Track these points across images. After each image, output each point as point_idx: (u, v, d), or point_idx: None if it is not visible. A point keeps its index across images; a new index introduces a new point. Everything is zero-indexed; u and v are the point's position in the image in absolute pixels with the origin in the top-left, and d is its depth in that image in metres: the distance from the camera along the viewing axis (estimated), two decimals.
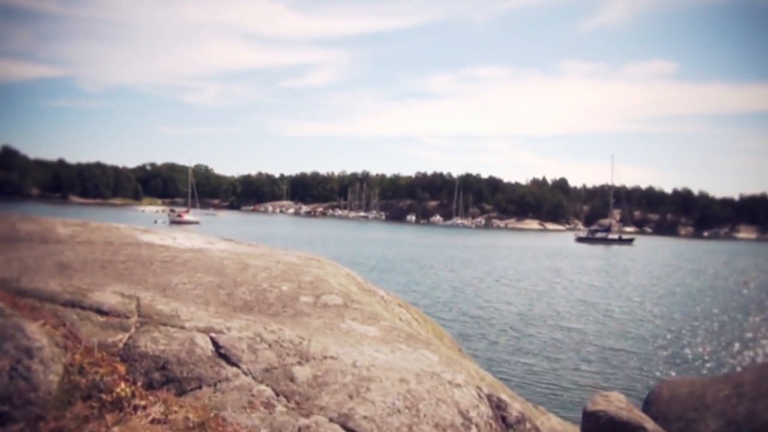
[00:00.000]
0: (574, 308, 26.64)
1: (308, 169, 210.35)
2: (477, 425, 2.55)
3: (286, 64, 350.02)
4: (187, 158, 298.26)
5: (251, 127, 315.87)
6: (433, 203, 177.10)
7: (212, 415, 2.16)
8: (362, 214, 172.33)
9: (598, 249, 78.25)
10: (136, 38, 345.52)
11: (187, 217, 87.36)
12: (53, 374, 2.12)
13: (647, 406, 4.34)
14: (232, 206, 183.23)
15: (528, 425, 2.90)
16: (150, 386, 2.34)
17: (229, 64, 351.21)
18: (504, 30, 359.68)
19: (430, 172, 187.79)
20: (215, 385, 2.39)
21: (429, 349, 3.15)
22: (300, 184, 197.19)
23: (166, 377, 2.40)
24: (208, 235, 5.90)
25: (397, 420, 2.34)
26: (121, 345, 2.52)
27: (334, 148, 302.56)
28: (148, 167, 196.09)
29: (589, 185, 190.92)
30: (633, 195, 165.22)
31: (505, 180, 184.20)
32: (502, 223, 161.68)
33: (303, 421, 2.24)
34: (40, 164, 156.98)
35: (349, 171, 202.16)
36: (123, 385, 2.24)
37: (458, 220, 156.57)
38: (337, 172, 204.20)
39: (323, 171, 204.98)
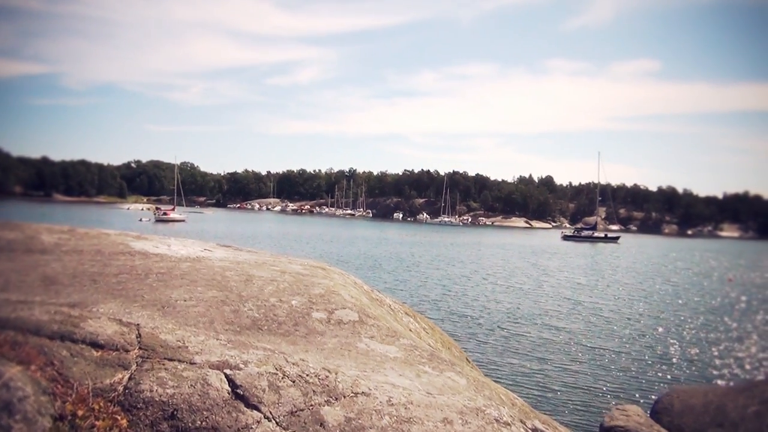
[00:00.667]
0: (562, 306, 26.75)
1: (295, 167, 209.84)
2: None
3: (273, 62, 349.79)
4: (173, 156, 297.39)
5: (237, 125, 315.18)
6: (420, 201, 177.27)
7: None
8: (349, 211, 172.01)
9: (584, 247, 78.88)
10: (122, 35, 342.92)
11: (173, 215, 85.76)
12: None
13: (656, 416, 4.19)
14: (218, 204, 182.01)
15: None
16: None
17: (216, 61, 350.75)
18: (490, 28, 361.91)
19: (417, 170, 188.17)
20: None
21: (454, 371, 2.98)
22: (287, 181, 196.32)
23: (177, 428, 2.10)
24: (204, 240, 5.76)
25: None
26: (120, 388, 2.18)
27: (320, 145, 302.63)
28: (134, 165, 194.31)
29: (575, 183, 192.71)
30: (618, 193, 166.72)
31: (492, 178, 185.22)
32: (488, 221, 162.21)
33: None
34: (24, 162, 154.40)
35: (336, 169, 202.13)
36: None
37: (445, 218, 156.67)
38: (324, 169, 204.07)
39: (310, 169, 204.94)
